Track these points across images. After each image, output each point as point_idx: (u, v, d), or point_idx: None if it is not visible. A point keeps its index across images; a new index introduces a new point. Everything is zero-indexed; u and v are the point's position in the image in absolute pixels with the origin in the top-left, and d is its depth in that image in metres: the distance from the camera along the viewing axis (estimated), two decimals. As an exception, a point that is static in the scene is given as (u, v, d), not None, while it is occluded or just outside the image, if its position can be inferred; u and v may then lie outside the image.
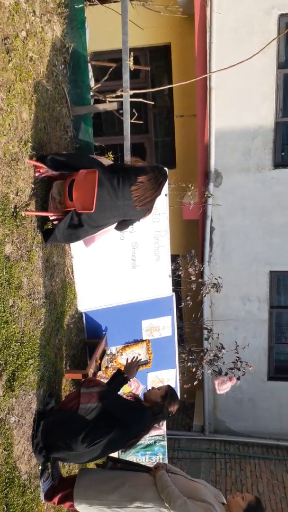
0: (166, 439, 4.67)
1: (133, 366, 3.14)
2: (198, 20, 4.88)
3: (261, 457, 6.13)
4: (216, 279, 5.26)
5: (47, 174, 3.14)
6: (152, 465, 3.05)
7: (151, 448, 4.67)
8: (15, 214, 2.82)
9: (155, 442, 4.67)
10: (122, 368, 3.23)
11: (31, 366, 3.00)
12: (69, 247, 3.81)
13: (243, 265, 5.70)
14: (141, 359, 4.23)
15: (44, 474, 3.12)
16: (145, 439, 4.53)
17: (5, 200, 2.72)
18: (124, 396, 3.11)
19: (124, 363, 4.17)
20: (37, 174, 3.09)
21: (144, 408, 2.94)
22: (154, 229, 4.18)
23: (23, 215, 2.94)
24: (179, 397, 3.36)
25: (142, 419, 2.90)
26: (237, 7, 4.82)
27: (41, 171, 3.10)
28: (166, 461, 4.56)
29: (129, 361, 3.21)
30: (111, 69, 4.14)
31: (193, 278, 5.21)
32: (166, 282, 4.37)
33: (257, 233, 5.56)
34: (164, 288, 4.37)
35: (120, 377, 3.08)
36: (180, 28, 5.39)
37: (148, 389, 4.38)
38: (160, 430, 4.60)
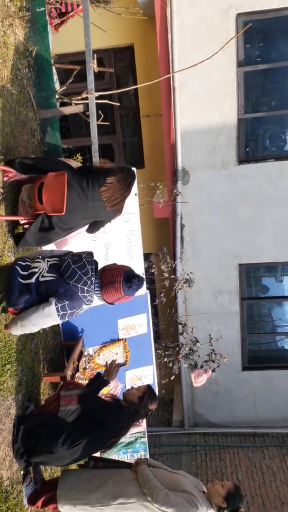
0: (146, 436, 4.73)
1: (113, 369, 3.18)
2: (159, 21, 4.95)
3: (239, 446, 6.30)
4: (188, 274, 5.36)
5: (16, 178, 3.13)
6: (134, 461, 3.11)
7: (132, 446, 4.72)
8: (-15, 219, 2.81)
9: (136, 439, 4.72)
10: (100, 368, 3.26)
11: (8, 371, 2.99)
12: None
13: (213, 260, 5.84)
14: (120, 362, 4.27)
15: (26, 479, 3.12)
16: (126, 437, 4.57)
17: (-26, 206, 2.70)
18: (103, 397, 3.14)
19: (102, 363, 4.22)
20: (5, 179, 3.08)
21: (122, 408, 2.98)
22: (126, 229, 4.23)
23: (-7, 220, 2.92)
24: (157, 394, 3.42)
25: (120, 419, 2.94)
26: (196, 7, 4.92)
27: (9, 175, 3.08)
28: (147, 457, 4.63)
29: (108, 364, 3.24)
30: (75, 72, 4.14)
31: (166, 275, 5.30)
32: (139, 281, 4.42)
33: (224, 228, 5.70)
34: (138, 287, 4.42)
35: (100, 379, 3.12)
36: (142, 29, 5.44)
37: (126, 387, 4.45)
38: (141, 427, 4.65)
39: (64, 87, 4.09)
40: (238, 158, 5.44)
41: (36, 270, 2.40)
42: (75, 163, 3.58)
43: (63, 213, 2.95)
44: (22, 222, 3.23)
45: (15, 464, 2.98)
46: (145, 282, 2.90)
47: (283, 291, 6.49)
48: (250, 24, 4.68)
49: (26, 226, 3.23)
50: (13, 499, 2.92)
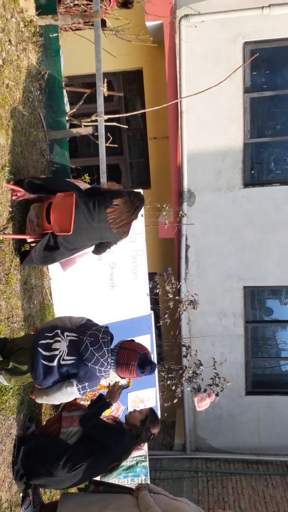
0: (147, 459, 4.64)
1: (116, 391, 3.14)
2: (168, 48, 5.09)
3: (242, 473, 6.15)
4: (192, 296, 5.35)
5: (24, 198, 3.18)
6: (134, 486, 3.04)
7: (133, 470, 4.62)
8: (-7, 237, 2.84)
9: (137, 463, 4.63)
10: (102, 389, 3.23)
11: (11, 390, 2.97)
12: (47, 269, 3.82)
13: (218, 282, 5.83)
14: (123, 384, 4.22)
15: (25, 502, 3.05)
16: (127, 461, 4.48)
17: (-17, 224, 2.73)
18: (105, 419, 3.10)
19: (104, 384, 4.17)
20: (14, 198, 3.12)
21: (124, 431, 2.94)
22: (131, 249, 4.25)
23: (1, 238, 2.95)
24: (159, 417, 3.36)
25: (122, 442, 2.90)
26: (204, 36, 5.06)
27: (18, 194, 3.13)
28: (148, 482, 4.52)
29: (111, 386, 3.21)
30: (85, 95, 4.25)
31: (170, 295, 5.28)
32: (144, 301, 4.42)
33: (229, 250, 5.71)
34: (142, 307, 4.42)
35: (103, 401, 3.08)
36: (151, 55, 5.59)
37: (128, 409, 4.38)
38: (142, 451, 4.56)
39: (74, 109, 4.18)
40: (244, 181, 5.49)
41: (57, 352, 2.64)
42: (84, 184, 3.63)
43: (70, 233, 2.98)
44: (29, 240, 3.26)
45: (14, 486, 2.92)
46: (156, 368, 3.18)
47: (287, 315, 6.44)
48: (258, 54, 4.81)
49: (33, 244, 3.25)
50: (10, 523, 2.86)
